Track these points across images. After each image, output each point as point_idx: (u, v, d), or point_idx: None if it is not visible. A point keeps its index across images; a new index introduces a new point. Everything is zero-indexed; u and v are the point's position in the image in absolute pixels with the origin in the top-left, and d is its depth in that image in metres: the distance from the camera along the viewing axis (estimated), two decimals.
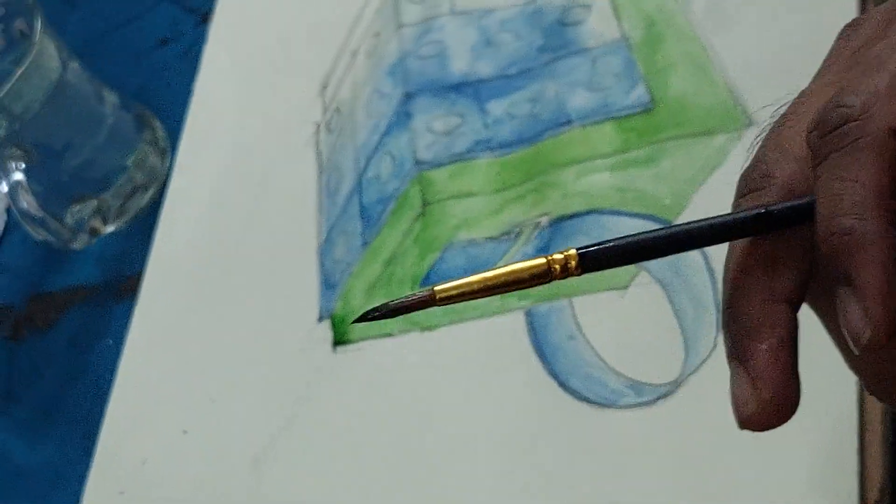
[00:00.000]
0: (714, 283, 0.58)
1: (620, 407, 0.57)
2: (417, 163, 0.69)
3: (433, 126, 0.70)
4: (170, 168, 0.76)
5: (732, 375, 0.35)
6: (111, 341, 0.73)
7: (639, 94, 0.65)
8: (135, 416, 0.69)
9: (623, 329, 0.59)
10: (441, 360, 0.63)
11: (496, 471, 0.59)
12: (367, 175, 0.70)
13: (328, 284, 0.68)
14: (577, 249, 0.35)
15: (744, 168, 0.37)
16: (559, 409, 0.59)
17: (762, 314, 0.34)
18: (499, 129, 0.68)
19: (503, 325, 0.62)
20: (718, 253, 0.58)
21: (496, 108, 0.69)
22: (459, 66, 0.71)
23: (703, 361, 0.57)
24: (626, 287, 0.60)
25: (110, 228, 0.76)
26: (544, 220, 0.64)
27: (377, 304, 0.35)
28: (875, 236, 0.31)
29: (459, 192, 0.67)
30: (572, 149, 0.65)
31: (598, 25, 0.68)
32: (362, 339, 0.65)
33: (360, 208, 0.69)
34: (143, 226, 0.76)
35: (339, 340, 0.66)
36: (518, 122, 0.68)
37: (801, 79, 0.37)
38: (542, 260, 0.34)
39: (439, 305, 0.34)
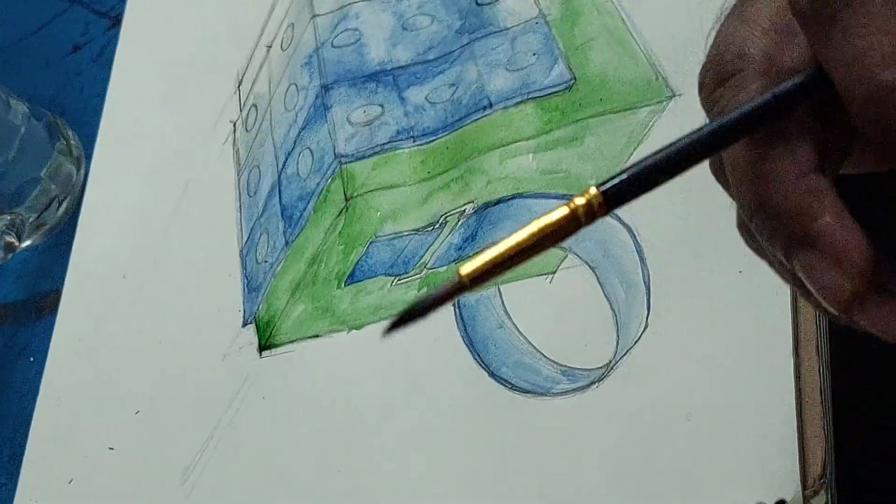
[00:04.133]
0: (643, 261, 0.56)
1: (554, 394, 0.55)
2: (338, 156, 0.66)
3: (352, 117, 0.68)
4: (85, 177, 0.73)
5: (805, 273, 0.30)
6: (33, 359, 0.70)
7: (559, 71, 0.63)
8: (59, 435, 0.66)
9: (553, 314, 0.57)
10: (371, 358, 0.61)
11: (431, 465, 0.57)
12: (286, 172, 0.68)
13: (251, 287, 0.66)
14: (598, 186, 0.31)
15: (708, 55, 0.33)
16: (491, 400, 0.56)
17: (804, 189, 0.30)
18: (420, 118, 0.66)
19: (432, 319, 0.60)
20: (646, 231, 0.57)
21: (416, 95, 0.67)
22: (377, 53, 0.69)
23: (636, 342, 0.55)
24: (553, 272, 0.58)
25: (26, 243, 0.74)
26: (470, 208, 0.62)
27: (407, 308, 0.32)
28: None
29: (383, 184, 0.65)
30: (495, 133, 0.63)
31: (514, 4, 0.66)
32: (289, 343, 0.63)
33: (281, 207, 0.67)
34: (62, 238, 0.73)
35: (265, 345, 0.64)
36: (439, 108, 0.66)
37: None
38: (565, 209, 0.31)
39: (472, 290, 0.31)
